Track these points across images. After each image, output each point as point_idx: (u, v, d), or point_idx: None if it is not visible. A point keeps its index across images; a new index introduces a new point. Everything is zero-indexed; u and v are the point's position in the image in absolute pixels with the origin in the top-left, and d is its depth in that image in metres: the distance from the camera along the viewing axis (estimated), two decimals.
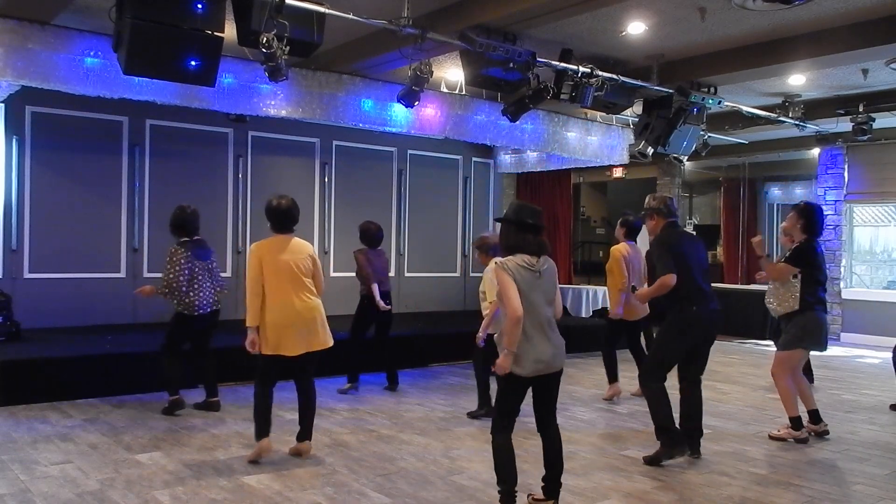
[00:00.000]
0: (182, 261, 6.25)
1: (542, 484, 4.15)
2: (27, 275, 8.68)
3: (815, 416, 5.89)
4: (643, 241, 7.01)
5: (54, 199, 8.81)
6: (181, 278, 6.22)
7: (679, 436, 5.14)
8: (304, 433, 5.18)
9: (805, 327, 5.68)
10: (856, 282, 12.20)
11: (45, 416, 6.09)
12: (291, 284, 4.95)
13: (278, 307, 4.89)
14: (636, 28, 7.28)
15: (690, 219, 14.68)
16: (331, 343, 5.14)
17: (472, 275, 12.55)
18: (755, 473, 4.94)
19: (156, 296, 6.39)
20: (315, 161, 10.89)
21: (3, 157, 8.37)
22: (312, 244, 10.72)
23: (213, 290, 6.45)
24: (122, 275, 9.29)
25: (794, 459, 5.29)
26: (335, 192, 11.01)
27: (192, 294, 6.27)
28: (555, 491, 4.13)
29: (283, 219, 5.08)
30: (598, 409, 6.80)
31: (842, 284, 11.97)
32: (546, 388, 4.11)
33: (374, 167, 11.45)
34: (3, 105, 8.16)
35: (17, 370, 6.54)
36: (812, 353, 6.12)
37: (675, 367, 5.28)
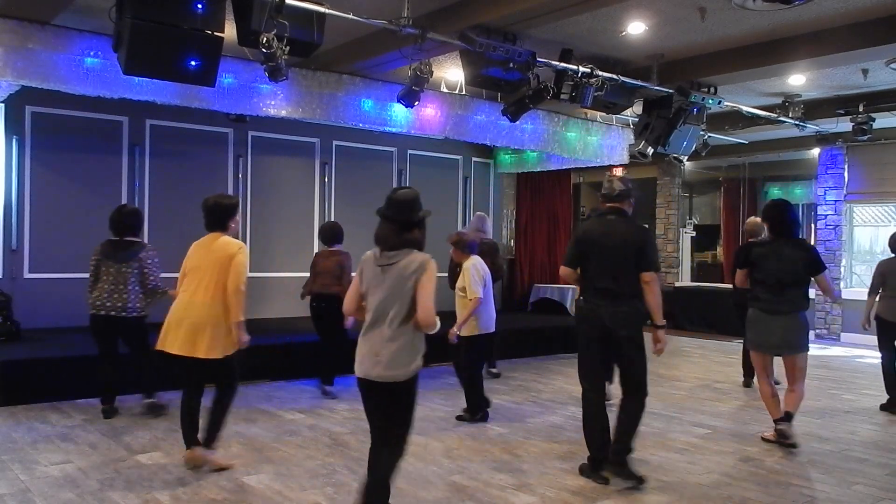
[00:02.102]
0: (91, 259, 6.09)
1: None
2: (27, 275, 8.67)
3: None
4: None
5: (54, 199, 8.81)
6: (90, 277, 6.04)
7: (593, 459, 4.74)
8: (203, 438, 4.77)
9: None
10: (856, 282, 12.19)
11: (45, 416, 6.08)
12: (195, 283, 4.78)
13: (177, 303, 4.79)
14: (636, 28, 7.28)
15: (690, 219, 14.68)
16: (209, 355, 4.67)
17: None
18: (755, 473, 4.94)
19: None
20: (315, 161, 10.89)
21: (3, 157, 8.36)
22: (312, 244, 10.85)
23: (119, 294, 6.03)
24: None
25: (794, 459, 5.29)
26: (335, 192, 11.00)
27: (93, 293, 6.03)
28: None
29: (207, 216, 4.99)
30: None
31: (842, 284, 11.96)
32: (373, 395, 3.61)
33: (374, 167, 11.45)
34: (3, 105, 8.16)
35: (17, 370, 6.54)
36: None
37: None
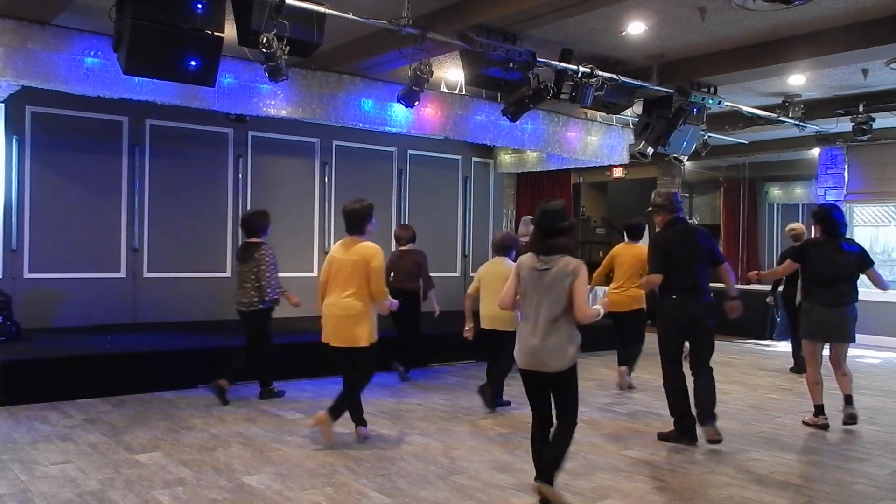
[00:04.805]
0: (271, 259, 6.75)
1: (537, 468, 4.22)
2: (27, 275, 8.67)
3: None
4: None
5: (54, 199, 8.81)
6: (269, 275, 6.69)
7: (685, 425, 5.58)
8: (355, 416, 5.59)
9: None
10: None
11: (45, 416, 6.08)
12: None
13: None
14: (636, 28, 7.28)
15: (690, 219, 14.66)
16: (357, 344, 5.34)
17: (471, 275, 12.55)
18: (755, 473, 4.94)
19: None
20: (315, 161, 10.89)
21: (3, 157, 8.36)
22: (312, 244, 10.85)
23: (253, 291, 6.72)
24: (122, 275, 9.28)
25: (794, 459, 5.30)
26: (335, 192, 11.00)
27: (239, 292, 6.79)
28: (548, 477, 4.16)
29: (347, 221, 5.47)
30: (599, 409, 6.79)
31: None
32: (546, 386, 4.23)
33: (374, 167, 11.45)
34: (3, 105, 8.17)
35: (17, 370, 6.54)
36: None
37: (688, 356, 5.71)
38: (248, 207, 10.16)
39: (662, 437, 5.68)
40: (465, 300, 6.81)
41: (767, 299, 9.75)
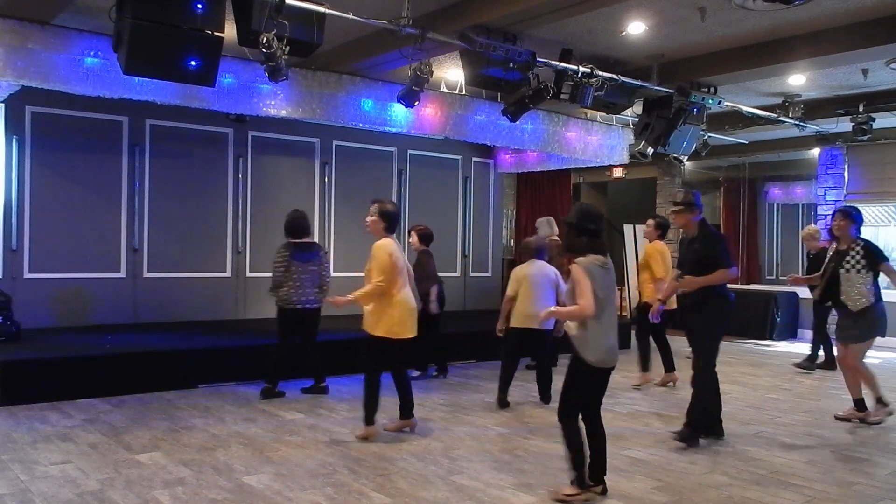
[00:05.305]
0: (279, 259, 6.94)
1: (589, 472, 4.38)
2: (27, 275, 8.67)
3: (861, 404, 6.47)
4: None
5: (54, 199, 8.81)
6: (277, 274, 6.90)
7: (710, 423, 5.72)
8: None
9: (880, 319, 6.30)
10: None
11: (45, 416, 6.09)
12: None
13: None
14: (636, 28, 7.28)
15: None
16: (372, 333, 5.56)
17: (472, 275, 12.56)
18: (755, 473, 4.94)
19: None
20: (315, 161, 10.89)
21: (3, 157, 8.37)
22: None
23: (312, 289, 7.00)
24: (122, 275, 9.29)
25: (794, 460, 5.29)
26: (335, 192, 11.00)
27: (281, 290, 6.94)
28: (601, 476, 4.42)
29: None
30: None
31: None
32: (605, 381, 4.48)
33: (374, 167, 11.45)
34: (3, 105, 8.17)
35: (17, 370, 6.54)
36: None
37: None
38: (248, 207, 10.19)
39: (684, 436, 5.55)
40: (506, 303, 6.83)
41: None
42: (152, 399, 6.74)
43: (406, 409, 5.80)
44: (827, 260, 6.53)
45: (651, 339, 7.87)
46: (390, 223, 5.58)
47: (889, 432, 6.17)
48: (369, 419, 5.58)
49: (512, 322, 6.75)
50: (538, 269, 6.79)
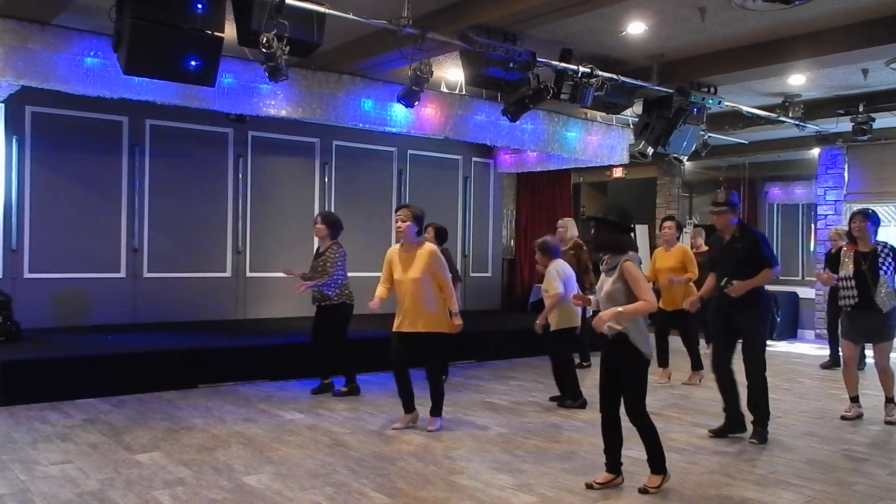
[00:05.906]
0: (340, 257, 7.06)
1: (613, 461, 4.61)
2: (27, 275, 8.68)
3: (857, 400, 6.66)
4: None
5: (54, 199, 8.81)
6: (341, 273, 7.02)
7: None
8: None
9: None
10: None
11: (45, 416, 6.08)
12: None
13: None
14: (636, 28, 7.28)
15: (690, 219, 14.67)
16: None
17: (471, 275, 12.56)
18: (755, 473, 4.94)
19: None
20: (315, 161, 10.89)
21: (3, 157, 8.37)
22: (311, 244, 10.83)
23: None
24: (122, 275, 9.29)
25: (794, 459, 5.29)
26: (335, 192, 11.01)
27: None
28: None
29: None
30: (599, 408, 6.79)
31: None
32: None
33: (374, 167, 11.45)
34: (3, 105, 8.16)
35: (17, 370, 6.54)
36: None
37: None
38: (248, 207, 10.19)
39: (762, 437, 5.70)
40: (555, 299, 6.59)
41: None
42: (152, 399, 6.74)
43: (437, 406, 6.06)
44: (850, 261, 6.36)
45: (681, 340, 8.14)
46: (421, 226, 5.99)
47: (889, 432, 6.17)
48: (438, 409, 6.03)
49: (562, 322, 6.68)
50: (567, 267, 6.84)
